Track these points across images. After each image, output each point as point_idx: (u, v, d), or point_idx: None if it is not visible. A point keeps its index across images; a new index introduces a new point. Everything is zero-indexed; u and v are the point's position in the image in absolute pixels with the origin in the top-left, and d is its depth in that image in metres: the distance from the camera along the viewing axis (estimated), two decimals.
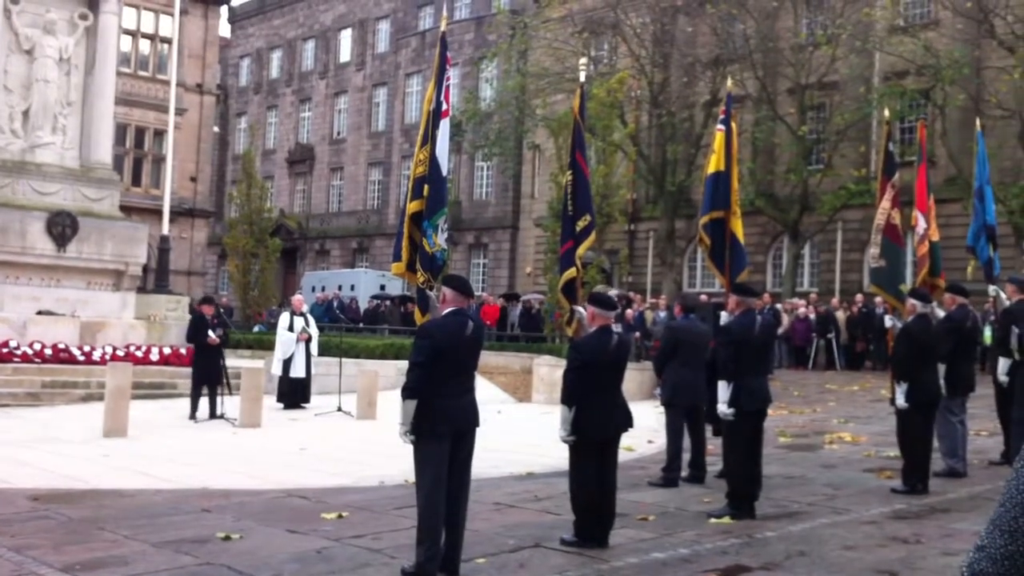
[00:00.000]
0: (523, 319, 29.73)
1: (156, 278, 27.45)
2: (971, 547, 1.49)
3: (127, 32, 36.58)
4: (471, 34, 48.72)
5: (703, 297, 26.19)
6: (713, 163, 11.77)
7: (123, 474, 11.11)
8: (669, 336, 11.28)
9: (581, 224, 9.53)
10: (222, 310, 18.62)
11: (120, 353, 20.24)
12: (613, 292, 16.98)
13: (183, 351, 21.30)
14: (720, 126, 12.04)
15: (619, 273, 36.43)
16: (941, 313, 11.50)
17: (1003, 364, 10.94)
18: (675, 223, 34.30)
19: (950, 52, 28.45)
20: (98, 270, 22.53)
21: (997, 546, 1.43)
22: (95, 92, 22.99)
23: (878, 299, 21.29)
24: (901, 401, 9.99)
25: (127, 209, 27.27)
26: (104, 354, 20.20)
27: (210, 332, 16.70)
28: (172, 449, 13.15)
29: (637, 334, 23.44)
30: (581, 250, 9.59)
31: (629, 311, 24.90)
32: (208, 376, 16.62)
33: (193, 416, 16.22)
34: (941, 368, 10.44)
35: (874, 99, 30.00)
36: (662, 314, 25.62)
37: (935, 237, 13.33)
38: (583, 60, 15.28)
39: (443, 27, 9.18)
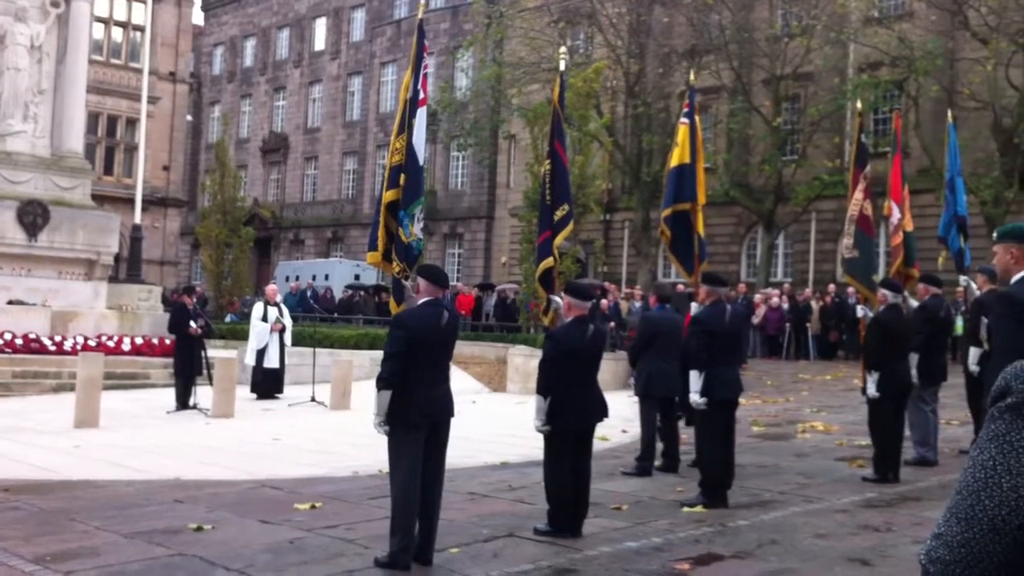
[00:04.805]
0: (498, 309, 29.75)
1: (128, 268, 27.26)
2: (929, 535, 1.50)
3: (99, 20, 36.24)
4: (447, 23, 48.57)
5: (679, 287, 26.26)
6: (677, 156, 11.81)
7: (95, 465, 11.03)
8: (645, 327, 11.29)
9: (559, 214, 9.53)
10: (196, 301, 18.53)
11: (92, 343, 20.11)
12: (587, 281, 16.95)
13: (155, 341, 21.18)
14: (684, 119, 12.07)
15: (594, 263, 36.50)
16: (915, 303, 11.59)
17: (974, 354, 11.01)
18: (650, 213, 34.30)
19: (924, 43, 28.62)
20: (70, 260, 22.34)
21: (954, 533, 1.45)
22: (67, 80, 22.77)
23: (851, 289, 21.41)
24: (872, 390, 10.06)
25: (99, 198, 27.05)
26: (76, 344, 20.06)
27: (191, 322, 16.60)
28: (144, 440, 13.07)
29: (612, 324, 23.49)
30: (559, 239, 9.59)
31: (604, 301, 24.93)
32: (191, 367, 16.54)
33: (183, 407, 16.10)
34: (913, 358, 10.51)
35: (848, 90, 30.14)
36: (637, 304, 25.66)
37: (909, 227, 13.40)
38: (563, 49, 15.23)
39: (420, 14, 9.13)
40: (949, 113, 16.65)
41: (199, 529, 7.59)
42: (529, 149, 27.88)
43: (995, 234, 5.53)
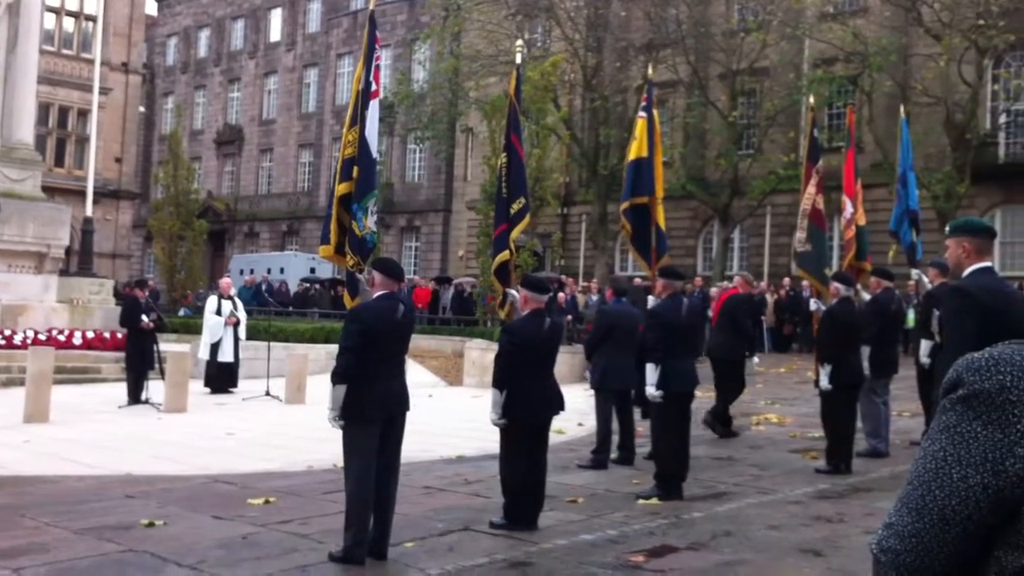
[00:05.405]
0: (455, 302, 29.67)
1: (79, 261, 26.90)
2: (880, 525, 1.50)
3: (50, 9, 35.74)
4: (404, 15, 48.36)
5: (635, 281, 26.37)
6: (634, 150, 11.86)
7: (45, 460, 10.88)
8: (602, 320, 11.31)
9: (515, 207, 9.52)
10: (148, 294, 18.31)
11: (42, 337, 19.82)
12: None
13: (107, 335, 20.93)
14: (642, 113, 12.13)
15: (552, 257, 36.53)
16: (867, 296, 11.72)
17: (925, 346, 11.17)
18: (607, 207, 34.42)
19: (878, 39, 28.93)
20: (20, 252, 22.02)
21: (904, 524, 1.46)
22: (17, 71, 22.42)
23: (805, 283, 21.61)
24: (825, 383, 10.16)
25: (50, 190, 26.67)
26: (25, 338, 19.76)
27: (143, 316, 16.40)
28: (95, 435, 12.90)
29: (569, 317, 23.53)
30: (515, 233, 9.58)
31: (562, 295, 24.97)
32: (142, 361, 16.35)
33: (134, 401, 15.90)
34: (865, 350, 10.63)
35: (803, 85, 30.38)
36: (594, 298, 25.73)
37: (862, 221, 13.55)
38: (519, 42, 15.24)
39: (372, 5, 9.06)
40: (902, 108, 16.83)
41: (150, 525, 7.50)
42: (487, 142, 27.85)
43: (947, 228, 5.58)
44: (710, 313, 25.67)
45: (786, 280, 27.84)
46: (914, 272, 13.65)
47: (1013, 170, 29.17)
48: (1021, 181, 28.55)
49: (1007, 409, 1.41)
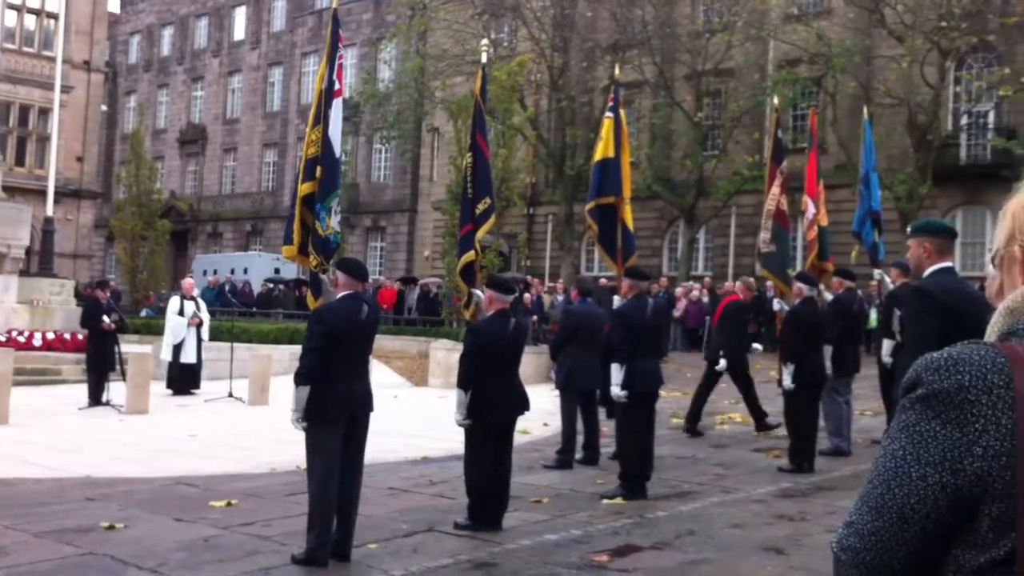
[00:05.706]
0: (421, 303, 29.64)
1: (40, 261, 26.59)
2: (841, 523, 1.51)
3: (11, 7, 35.33)
4: (369, 14, 48.19)
5: (601, 281, 26.42)
6: (601, 150, 11.87)
7: (4, 462, 10.70)
8: (568, 321, 11.32)
9: (481, 207, 9.50)
10: (109, 295, 18.11)
11: (1, 338, 19.56)
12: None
13: (67, 336, 20.69)
14: (609, 113, 12.14)
15: (518, 257, 36.55)
16: (829, 296, 11.81)
17: (887, 346, 11.25)
18: (574, 207, 34.49)
19: (842, 41, 29.17)
20: None
21: (864, 522, 1.48)
22: None
23: (768, 283, 21.75)
24: (788, 382, 10.22)
25: (10, 190, 26.35)
26: None
27: (104, 317, 16.23)
28: (55, 437, 12.74)
29: (535, 318, 23.54)
30: (480, 233, 9.56)
31: (527, 295, 24.98)
32: (103, 362, 16.16)
33: (95, 403, 15.72)
34: (828, 350, 10.71)
35: (768, 86, 30.56)
36: (560, 298, 25.76)
37: (824, 222, 13.65)
38: (484, 41, 15.19)
39: (335, 4, 9.01)
40: (865, 110, 16.96)
41: (111, 527, 7.42)
42: (452, 142, 27.80)
43: (909, 228, 5.62)
44: (676, 313, 25.92)
45: (751, 280, 27.97)
46: (876, 272, 13.76)
47: (974, 171, 29.53)
48: (982, 182, 28.88)
49: (965, 408, 1.41)
